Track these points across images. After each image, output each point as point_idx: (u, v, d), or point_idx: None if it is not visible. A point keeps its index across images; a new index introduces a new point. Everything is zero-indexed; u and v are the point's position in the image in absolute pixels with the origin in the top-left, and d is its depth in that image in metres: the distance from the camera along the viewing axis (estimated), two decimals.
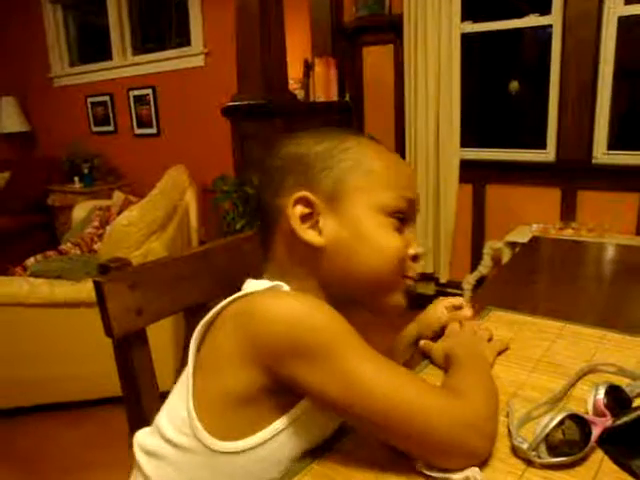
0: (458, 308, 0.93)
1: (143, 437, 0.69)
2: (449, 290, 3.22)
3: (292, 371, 0.59)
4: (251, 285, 0.71)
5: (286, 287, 0.69)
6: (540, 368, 0.78)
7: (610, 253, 1.44)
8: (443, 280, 3.25)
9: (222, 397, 0.61)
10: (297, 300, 0.62)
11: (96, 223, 3.30)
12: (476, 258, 3.17)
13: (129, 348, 0.81)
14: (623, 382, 0.70)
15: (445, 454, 0.58)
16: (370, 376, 0.58)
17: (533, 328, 0.91)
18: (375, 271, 0.70)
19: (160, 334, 2.24)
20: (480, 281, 3.09)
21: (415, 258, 0.73)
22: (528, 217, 2.95)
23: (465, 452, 0.58)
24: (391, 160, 0.74)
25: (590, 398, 0.63)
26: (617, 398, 0.64)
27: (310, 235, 0.70)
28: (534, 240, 1.52)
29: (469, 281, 3.13)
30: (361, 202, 0.70)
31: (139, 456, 0.68)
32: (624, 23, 2.65)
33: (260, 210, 0.76)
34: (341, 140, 0.72)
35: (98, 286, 0.76)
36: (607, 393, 0.63)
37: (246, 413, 0.61)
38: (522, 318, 0.95)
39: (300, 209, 0.70)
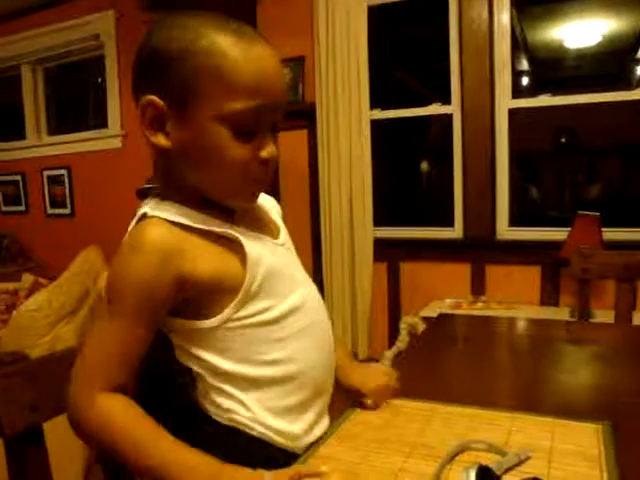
0: None
1: None
2: None
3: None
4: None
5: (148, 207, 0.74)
6: (416, 453, 0.75)
7: (512, 328, 1.53)
8: (362, 357, 3.27)
9: None
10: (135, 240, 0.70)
11: (1, 307, 3.13)
12: (394, 333, 3.23)
13: (22, 447, 0.77)
14: (494, 459, 0.71)
15: None
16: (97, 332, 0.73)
17: (405, 410, 0.89)
18: (220, 180, 0.73)
19: (66, 429, 2.11)
20: (399, 355, 3.14)
21: (265, 162, 0.75)
22: (441, 292, 3.06)
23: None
24: (251, 59, 0.68)
25: None
26: (487, 478, 0.64)
27: (158, 138, 0.71)
28: (441, 318, 1.59)
29: (387, 357, 3.17)
30: (205, 111, 0.68)
31: None
32: (513, 114, 2.92)
33: None
34: (198, 36, 0.68)
35: None
36: (477, 476, 0.63)
37: None
38: (397, 402, 0.92)
39: (151, 112, 0.70)
